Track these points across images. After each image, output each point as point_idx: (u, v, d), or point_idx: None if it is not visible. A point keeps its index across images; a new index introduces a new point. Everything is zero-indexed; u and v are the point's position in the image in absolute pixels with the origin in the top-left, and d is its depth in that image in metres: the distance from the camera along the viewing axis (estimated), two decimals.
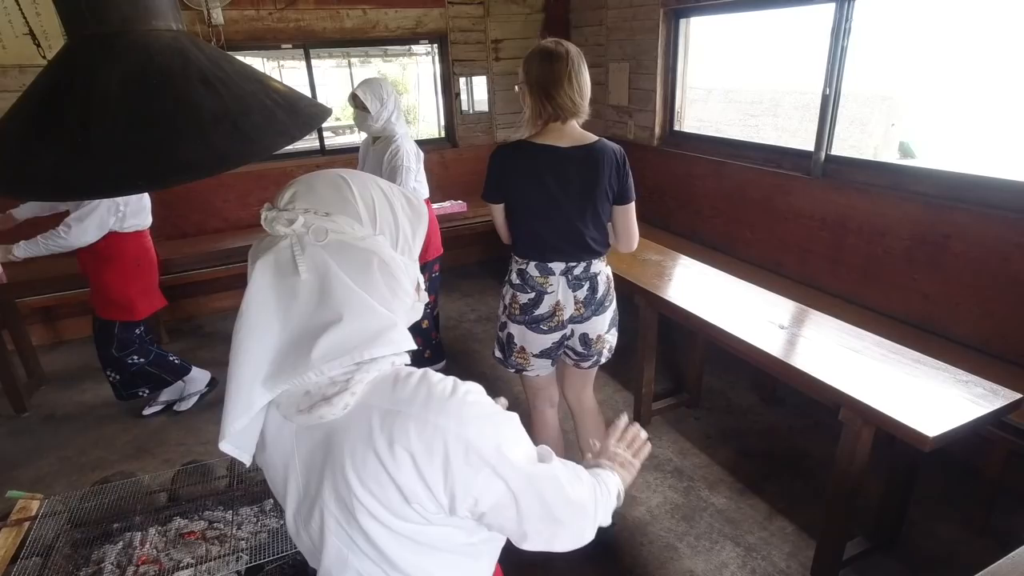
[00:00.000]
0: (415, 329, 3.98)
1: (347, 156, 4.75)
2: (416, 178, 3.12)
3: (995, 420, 1.78)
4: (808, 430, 2.96)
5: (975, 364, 2.20)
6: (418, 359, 3.43)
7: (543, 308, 2.06)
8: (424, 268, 3.29)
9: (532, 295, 2.06)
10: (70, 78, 1.04)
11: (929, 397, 1.78)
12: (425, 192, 3.23)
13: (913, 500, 2.26)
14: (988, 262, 2.43)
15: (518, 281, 2.08)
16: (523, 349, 2.13)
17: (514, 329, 2.12)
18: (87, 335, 4.31)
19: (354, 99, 3.00)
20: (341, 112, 10.55)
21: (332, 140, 8.19)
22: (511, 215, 2.07)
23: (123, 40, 1.05)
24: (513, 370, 2.21)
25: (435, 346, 3.53)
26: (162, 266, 3.86)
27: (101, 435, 3.17)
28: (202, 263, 4.02)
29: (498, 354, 2.24)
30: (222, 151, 1.05)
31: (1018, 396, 1.77)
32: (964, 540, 2.28)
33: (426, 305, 3.69)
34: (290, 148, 5.65)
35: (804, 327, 2.27)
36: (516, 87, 2.03)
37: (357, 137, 9.03)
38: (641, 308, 2.78)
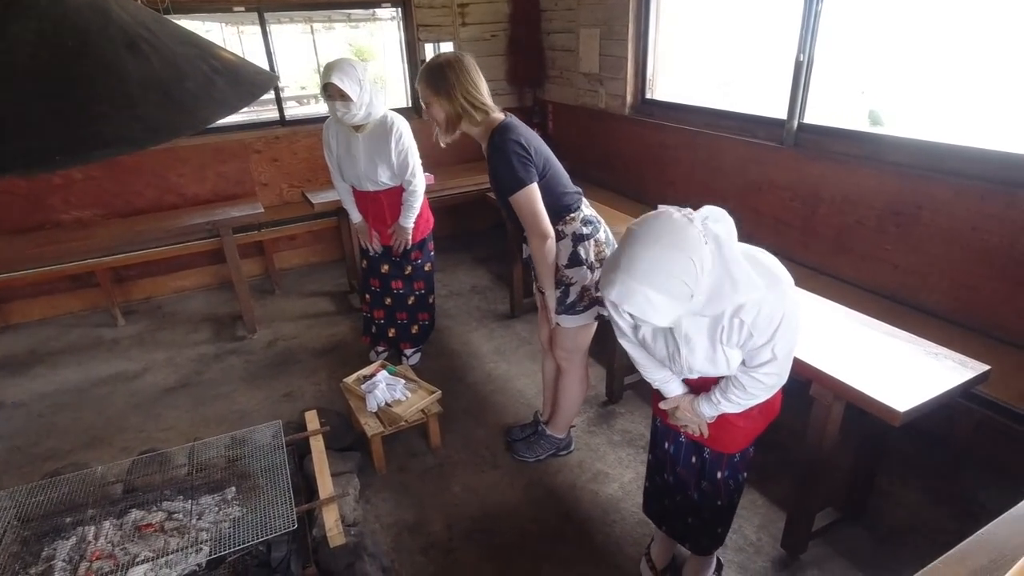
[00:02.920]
0: (424, 306, 3.81)
1: (309, 127, 4.54)
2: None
3: (964, 393, 1.78)
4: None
5: (945, 335, 2.21)
6: (428, 333, 3.40)
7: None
8: (422, 244, 3.19)
9: (600, 227, 2.22)
10: None
11: (899, 371, 1.78)
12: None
13: (881, 470, 2.29)
14: (959, 232, 2.43)
15: (590, 227, 2.18)
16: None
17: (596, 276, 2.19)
18: (35, 318, 4.14)
19: (326, 89, 2.67)
20: (308, 80, 10.16)
21: (294, 110, 7.86)
22: (546, 185, 2.09)
23: None
24: (598, 318, 2.30)
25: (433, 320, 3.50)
26: (114, 245, 3.70)
27: (55, 424, 3.04)
28: (157, 241, 3.85)
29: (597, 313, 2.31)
30: (152, 122, 0.95)
31: (986, 368, 1.78)
32: (931, 509, 2.32)
33: (432, 279, 3.50)
34: (249, 118, 5.37)
35: None
36: (441, 115, 2.07)
37: (320, 108, 8.68)
38: None
